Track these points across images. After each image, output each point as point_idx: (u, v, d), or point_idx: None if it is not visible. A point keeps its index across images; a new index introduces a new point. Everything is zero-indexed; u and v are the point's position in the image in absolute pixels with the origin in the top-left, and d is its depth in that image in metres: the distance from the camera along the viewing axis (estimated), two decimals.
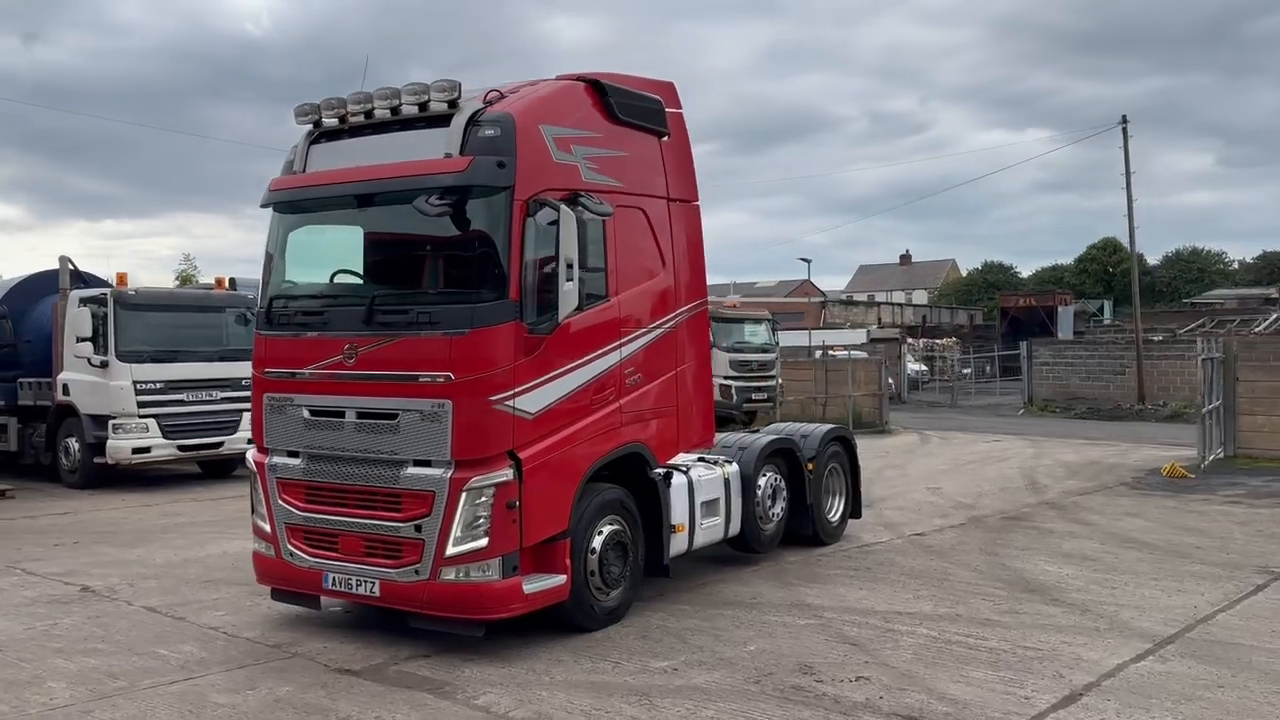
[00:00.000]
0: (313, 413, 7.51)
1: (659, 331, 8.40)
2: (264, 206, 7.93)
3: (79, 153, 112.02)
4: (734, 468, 9.42)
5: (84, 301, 15.72)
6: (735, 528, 9.42)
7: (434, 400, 6.97)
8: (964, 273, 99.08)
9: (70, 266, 17.29)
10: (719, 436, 10.14)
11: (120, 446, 15.35)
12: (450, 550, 6.92)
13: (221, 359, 16.32)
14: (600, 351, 7.72)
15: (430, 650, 7.21)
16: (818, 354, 33.37)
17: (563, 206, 7.00)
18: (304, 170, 7.86)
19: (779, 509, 10.12)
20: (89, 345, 15.33)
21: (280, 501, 7.70)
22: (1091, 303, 64.23)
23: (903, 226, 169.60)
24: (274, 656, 7.20)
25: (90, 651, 7.29)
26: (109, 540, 11.66)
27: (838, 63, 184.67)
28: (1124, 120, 33.60)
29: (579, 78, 7.99)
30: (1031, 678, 6.57)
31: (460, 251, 7.31)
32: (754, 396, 25.59)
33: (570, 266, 6.97)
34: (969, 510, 13.57)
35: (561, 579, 7.30)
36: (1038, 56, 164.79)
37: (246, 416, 13.50)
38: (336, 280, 7.94)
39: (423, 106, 7.31)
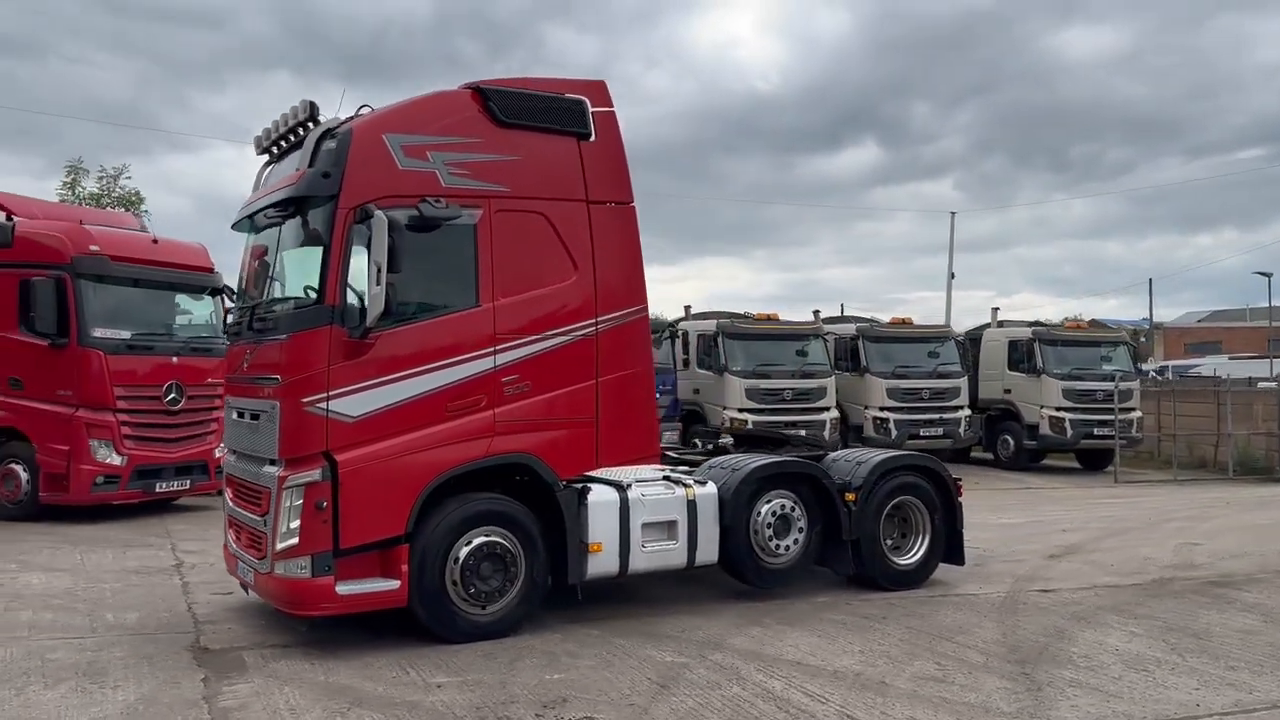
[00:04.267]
0: (235, 413, 8.26)
1: (563, 339, 8.05)
2: (231, 228, 8.87)
3: None
4: (709, 489, 8.60)
5: None
6: (708, 556, 8.56)
7: (269, 401, 7.38)
8: None
9: None
10: (723, 459, 9.36)
11: None
12: (276, 545, 7.25)
13: None
14: (461, 358, 7.60)
15: (297, 642, 7.55)
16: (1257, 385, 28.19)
17: (377, 212, 7.07)
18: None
19: (792, 542, 8.98)
20: None
21: (225, 495, 8.54)
22: None
23: None
24: (176, 629, 8.00)
25: (66, 609, 8.60)
26: None
27: None
28: None
29: (468, 85, 7.99)
30: None
31: (302, 260, 7.66)
32: (1096, 431, 22.25)
33: (380, 271, 7.02)
34: (1180, 571, 10.95)
35: (394, 584, 7.29)
36: None
37: None
38: (255, 292, 8.62)
39: (303, 126, 7.81)
